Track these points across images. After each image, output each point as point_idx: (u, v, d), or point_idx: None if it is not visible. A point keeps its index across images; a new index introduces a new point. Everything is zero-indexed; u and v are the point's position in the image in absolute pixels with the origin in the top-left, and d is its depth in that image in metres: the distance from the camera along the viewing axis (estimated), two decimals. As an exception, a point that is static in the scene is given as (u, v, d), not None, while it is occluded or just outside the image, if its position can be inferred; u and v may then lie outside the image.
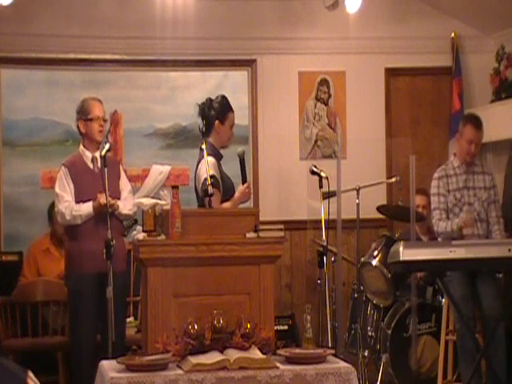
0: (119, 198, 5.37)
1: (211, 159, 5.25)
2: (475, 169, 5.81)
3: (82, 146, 5.43)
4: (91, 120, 5.35)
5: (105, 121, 5.43)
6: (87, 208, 5.23)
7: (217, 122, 5.34)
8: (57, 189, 5.34)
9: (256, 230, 4.63)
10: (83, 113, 5.39)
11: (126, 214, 5.39)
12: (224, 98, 5.45)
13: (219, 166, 5.31)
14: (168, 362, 3.98)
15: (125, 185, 5.49)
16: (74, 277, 5.32)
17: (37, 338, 6.08)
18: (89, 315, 5.21)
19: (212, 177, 5.18)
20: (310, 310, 4.42)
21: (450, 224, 5.61)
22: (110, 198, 5.10)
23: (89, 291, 5.18)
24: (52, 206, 6.28)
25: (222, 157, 5.38)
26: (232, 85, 7.33)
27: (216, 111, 5.36)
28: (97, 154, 5.35)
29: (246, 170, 5.33)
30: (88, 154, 5.38)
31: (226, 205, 5.15)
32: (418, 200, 6.47)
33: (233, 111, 5.42)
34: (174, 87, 7.18)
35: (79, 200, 5.27)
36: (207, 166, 5.01)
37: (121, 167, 5.61)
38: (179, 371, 3.93)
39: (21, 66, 7.03)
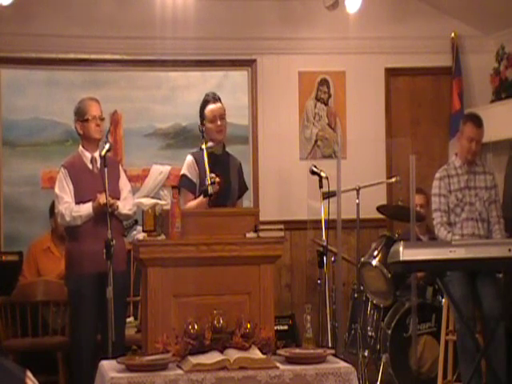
0: (119, 198, 5.37)
1: (189, 158, 5.26)
2: (476, 169, 5.81)
3: (81, 147, 5.44)
4: (88, 120, 5.36)
5: (102, 119, 5.43)
6: (87, 209, 5.23)
7: (201, 126, 5.34)
8: (56, 190, 5.35)
9: (256, 230, 4.63)
10: (80, 114, 5.40)
11: (126, 213, 5.39)
12: (204, 96, 5.41)
13: (211, 164, 5.24)
14: (168, 362, 3.98)
15: (124, 184, 5.48)
16: (74, 277, 5.32)
17: (37, 338, 6.08)
18: (89, 315, 5.21)
19: (183, 176, 5.21)
20: (309, 309, 4.43)
21: (451, 236, 5.61)
22: (109, 198, 5.10)
23: (89, 291, 5.17)
24: (53, 203, 6.28)
25: (218, 156, 5.32)
26: (232, 85, 7.33)
27: (199, 116, 5.35)
28: (96, 154, 5.36)
29: (214, 163, 5.26)
30: (87, 155, 5.39)
31: (192, 203, 5.11)
32: (416, 199, 6.46)
33: (213, 102, 5.33)
34: (174, 87, 7.18)
35: (79, 200, 5.27)
36: (207, 167, 5.02)
37: (120, 167, 5.61)
38: (179, 371, 3.93)
39: (21, 66, 7.03)
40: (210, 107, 5.32)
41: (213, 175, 5.03)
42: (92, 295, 5.16)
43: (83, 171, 5.35)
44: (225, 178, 5.20)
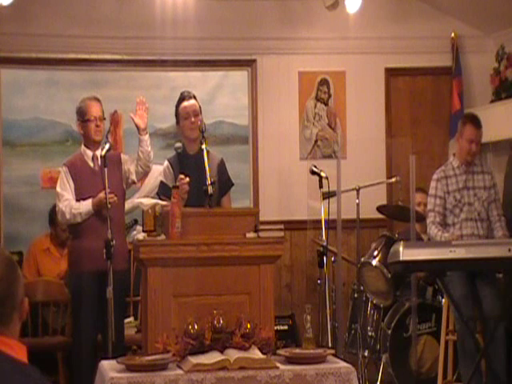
0: (123, 196, 5.37)
1: (165, 163, 5.26)
2: (475, 168, 5.81)
3: (83, 146, 5.46)
4: (88, 121, 5.36)
5: (102, 119, 5.42)
6: (87, 206, 5.24)
7: (177, 127, 5.34)
8: (58, 188, 5.37)
9: (256, 230, 4.63)
10: (80, 114, 5.41)
11: (147, 150, 5.38)
12: (180, 94, 5.38)
13: (182, 165, 5.20)
14: (168, 362, 3.98)
15: (130, 159, 5.46)
16: (75, 274, 5.34)
17: (37, 338, 6.08)
18: (90, 313, 5.21)
19: (160, 182, 5.20)
20: (310, 309, 4.43)
21: (440, 235, 5.60)
22: (110, 195, 5.10)
23: (90, 289, 5.19)
24: (53, 209, 6.26)
25: (193, 155, 5.22)
26: (232, 85, 7.33)
27: (175, 116, 5.33)
28: (98, 153, 5.36)
29: (186, 164, 5.21)
30: (89, 153, 5.40)
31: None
32: (419, 197, 6.48)
33: (187, 99, 5.27)
34: (174, 87, 7.16)
35: (80, 198, 5.29)
36: (207, 166, 5.01)
37: (122, 156, 5.57)
38: (179, 371, 3.93)
39: (21, 66, 7.03)
40: (184, 104, 5.27)
41: (182, 176, 5.01)
42: (92, 293, 5.17)
43: (84, 169, 5.37)
44: (199, 178, 5.02)
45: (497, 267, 5.20)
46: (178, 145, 5.22)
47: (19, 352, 2.01)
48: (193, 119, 5.22)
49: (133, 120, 5.39)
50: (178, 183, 4.96)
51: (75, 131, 5.54)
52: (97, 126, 5.37)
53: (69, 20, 7.02)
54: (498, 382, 5.33)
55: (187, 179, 4.98)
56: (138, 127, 5.39)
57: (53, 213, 6.29)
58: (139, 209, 5.05)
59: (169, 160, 5.29)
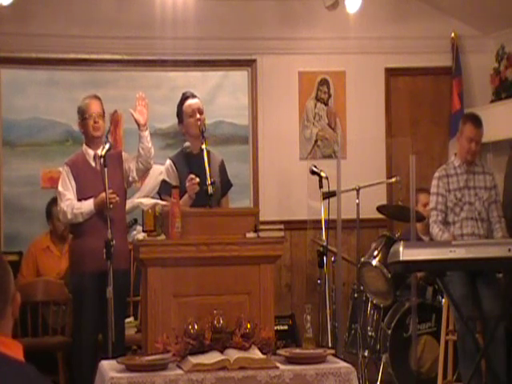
0: (124, 195, 5.36)
1: (167, 162, 5.25)
2: (476, 169, 5.81)
3: (84, 145, 5.46)
4: (87, 118, 5.37)
5: (100, 116, 5.42)
6: (88, 205, 5.24)
7: (179, 126, 5.34)
8: (59, 187, 5.38)
9: (256, 230, 4.63)
10: (80, 113, 5.43)
11: (147, 146, 5.38)
12: (182, 95, 5.39)
13: (188, 165, 5.22)
14: (168, 362, 3.98)
15: (130, 158, 5.45)
16: (77, 274, 5.34)
17: (37, 338, 6.07)
18: (91, 314, 5.21)
19: (162, 181, 5.19)
20: (310, 309, 4.43)
21: (441, 235, 5.61)
22: (111, 196, 5.10)
23: (90, 289, 5.18)
24: (50, 203, 6.29)
25: (197, 154, 5.20)
26: (232, 85, 7.33)
27: (177, 116, 5.33)
28: (99, 152, 5.35)
29: (192, 163, 5.23)
30: (90, 152, 5.40)
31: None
32: (423, 198, 6.48)
33: (192, 97, 5.30)
34: (174, 87, 7.16)
35: (81, 198, 5.29)
36: (207, 166, 5.01)
37: (123, 154, 5.57)
38: (179, 371, 3.93)
39: (21, 66, 7.03)
40: (188, 102, 5.29)
41: (193, 176, 5.01)
42: (93, 293, 5.16)
43: (86, 169, 5.37)
44: (203, 177, 5.02)
45: (497, 267, 5.20)
46: (187, 144, 5.25)
47: (16, 351, 2.01)
48: (198, 116, 5.24)
49: (133, 116, 5.39)
50: (187, 183, 4.98)
51: (75, 131, 5.55)
52: (95, 122, 5.37)
53: (69, 20, 7.02)
54: (498, 382, 5.33)
55: (197, 179, 5.00)
56: (137, 123, 5.39)
57: (50, 207, 6.32)
58: (139, 209, 5.05)
59: (171, 159, 5.29)
